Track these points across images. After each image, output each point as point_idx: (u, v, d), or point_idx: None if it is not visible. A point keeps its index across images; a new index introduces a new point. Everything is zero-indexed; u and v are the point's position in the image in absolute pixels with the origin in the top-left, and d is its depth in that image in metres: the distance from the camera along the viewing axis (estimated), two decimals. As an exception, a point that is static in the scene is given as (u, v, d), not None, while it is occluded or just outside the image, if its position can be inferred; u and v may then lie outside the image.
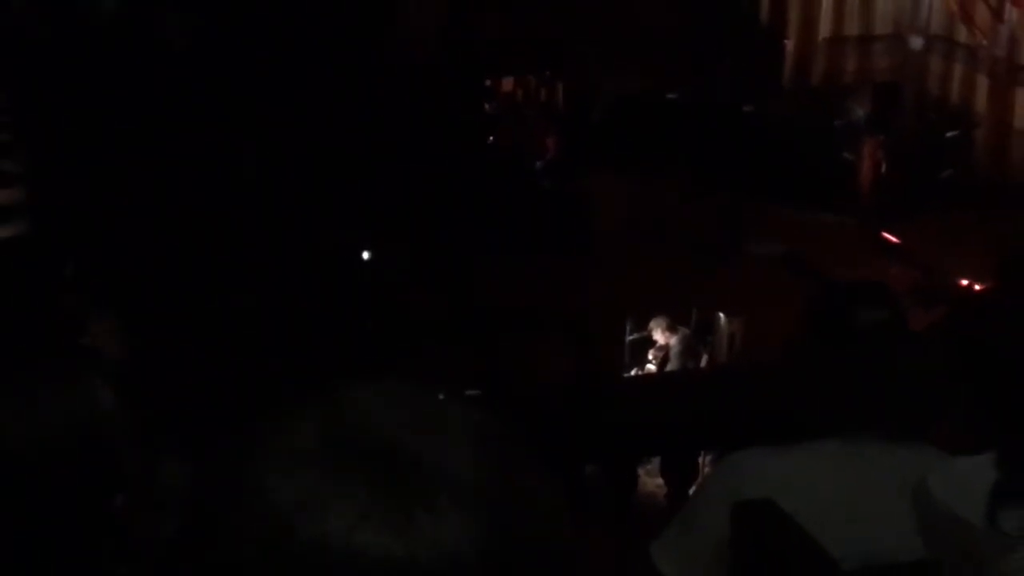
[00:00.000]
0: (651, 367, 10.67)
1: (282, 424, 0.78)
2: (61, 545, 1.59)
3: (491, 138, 14.50)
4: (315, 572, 0.72)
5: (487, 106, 14.95)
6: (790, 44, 15.24)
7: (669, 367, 10.45)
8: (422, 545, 0.72)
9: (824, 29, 15.23)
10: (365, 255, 11.61)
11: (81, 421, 1.66)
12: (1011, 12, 13.61)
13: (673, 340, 10.70)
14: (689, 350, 10.75)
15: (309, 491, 0.74)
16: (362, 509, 0.73)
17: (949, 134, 14.14)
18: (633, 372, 10.61)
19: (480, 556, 0.73)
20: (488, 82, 15.03)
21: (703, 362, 10.88)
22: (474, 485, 0.75)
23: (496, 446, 0.79)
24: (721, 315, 11.03)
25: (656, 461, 4.07)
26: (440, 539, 0.73)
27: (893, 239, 12.34)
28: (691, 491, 3.34)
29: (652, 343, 10.86)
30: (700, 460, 4.00)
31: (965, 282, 9.60)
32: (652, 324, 10.84)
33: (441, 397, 0.79)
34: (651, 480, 5.45)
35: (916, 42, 15.06)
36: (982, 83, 14.14)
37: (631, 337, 10.98)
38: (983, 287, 7.65)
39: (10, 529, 1.60)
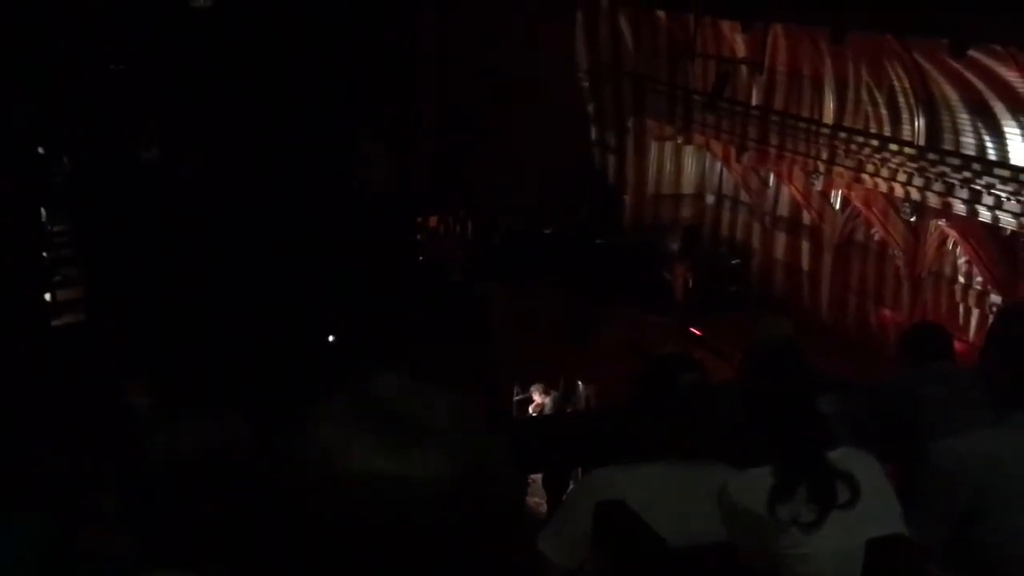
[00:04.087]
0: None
1: (325, 398, 0.84)
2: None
3: (421, 257, 14.53)
4: (344, 488, 0.78)
5: (418, 235, 14.99)
6: (628, 198, 15.57)
7: (544, 419, 10.43)
8: (414, 471, 0.78)
9: (650, 189, 15.62)
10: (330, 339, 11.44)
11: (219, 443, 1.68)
12: (774, 182, 14.13)
13: (547, 400, 10.67)
14: (558, 407, 10.73)
15: (341, 438, 0.79)
16: (374, 448, 0.79)
17: (734, 262, 14.43)
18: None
19: (452, 479, 0.79)
20: (419, 219, 15.10)
21: (567, 416, 10.87)
22: (450, 435, 0.81)
23: (466, 413, 0.84)
24: (580, 382, 11.05)
25: (539, 479, 4.05)
26: (427, 467, 0.78)
27: (697, 332, 12.54)
28: (564, 497, 3.31)
29: (531, 401, 10.82)
30: (569, 475, 3.98)
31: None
32: (532, 388, 10.81)
33: (431, 383, 0.86)
34: (531, 498, 5.42)
35: (711, 199, 15.49)
36: (756, 228, 14.52)
37: (517, 397, 10.93)
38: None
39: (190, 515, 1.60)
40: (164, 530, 1.64)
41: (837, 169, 11.97)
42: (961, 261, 11.41)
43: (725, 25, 13.14)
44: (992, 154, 10.30)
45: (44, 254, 12.48)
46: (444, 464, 0.79)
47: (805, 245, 13.58)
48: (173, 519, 1.63)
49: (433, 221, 15.15)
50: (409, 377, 0.85)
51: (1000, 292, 10.62)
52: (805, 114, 12.67)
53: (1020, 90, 9.70)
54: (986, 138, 10.39)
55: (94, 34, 12.34)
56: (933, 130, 10.92)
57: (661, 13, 14.25)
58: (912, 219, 11.59)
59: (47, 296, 11.82)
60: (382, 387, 0.83)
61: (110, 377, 8.34)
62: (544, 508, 4.14)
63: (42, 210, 12.88)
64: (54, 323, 11.53)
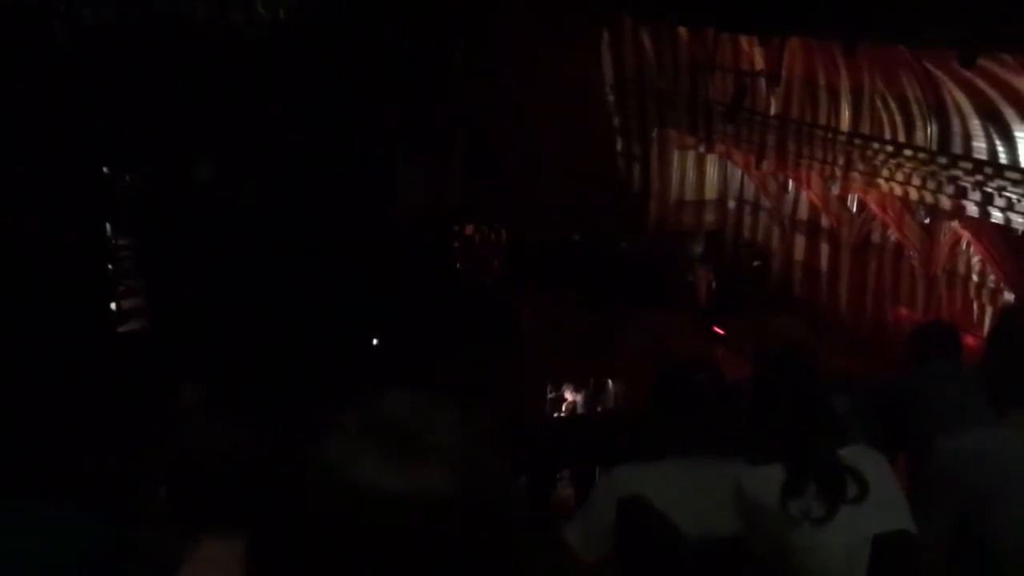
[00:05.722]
0: (563, 415, 10.63)
1: (336, 415, 0.83)
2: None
3: (457, 264, 14.56)
4: (353, 502, 0.77)
5: (456, 244, 15.03)
6: (653, 205, 15.51)
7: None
8: (419, 486, 0.78)
9: (674, 195, 15.53)
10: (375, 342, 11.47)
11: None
12: (793, 187, 14.00)
13: (578, 397, 10.68)
14: (588, 405, 10.73)
15: (351, 453, 0.79)
16: (382, 463, 0.78)
17: (754, 264, 14.28)
18: (553, 416, 10.56)
19: (455, 494, 0.78)
20: (456, 228, 15.14)
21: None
22: (453, 451, 0.80)
23: (468, 429, 0.84)
24: (609, 381, 11.02)
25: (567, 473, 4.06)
26: (431, 482, 0.78)
27: (720, 332, 12.46)
28: (592, 491, 3.32)
29: (564, 399, 10.82)
30: (596, 471, 3.99)
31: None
32: (564, 387, 10.81)
33: (437, 402, 0.85)
34: (563, 490, 5.43)
35: (732, 204, 15.37)
36: (775, 231, 14.40)
37: (550, 395, 10.94)
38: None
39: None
40: (195, 512, 1.77)
41: (853, 174, 11.85)
42: (975, 260, 11.24)
43: (743, 39, 13.06)
44: (1003, 158, 10.13)
45: (109, 266, 12.70)
46: (446, 480, 0.78)
47: (823, 247, 13.45)
48: (201, 505, 1.77)
49: (469, 229, 15.20)
50: (430, 387, 0.85)
51: (1013, 290, 10.43)
52: (822, 122, 12.55)
53: (1030, 96, 9.53)
54: (997, 142, 10.22)
55: (151, 59, 12.52)
56: (945, 135, 10.77)
57: (682, 29, 14.19)
58: (926, 221, 11.45)
59: (112, 305, 12.03)
60: (390, 404, 0.84)
61: (167, 381, 8.46)
62: (574, 502, 4.16)
63: (107, 225, 13.12)
64: (118, 330, 11.73)
